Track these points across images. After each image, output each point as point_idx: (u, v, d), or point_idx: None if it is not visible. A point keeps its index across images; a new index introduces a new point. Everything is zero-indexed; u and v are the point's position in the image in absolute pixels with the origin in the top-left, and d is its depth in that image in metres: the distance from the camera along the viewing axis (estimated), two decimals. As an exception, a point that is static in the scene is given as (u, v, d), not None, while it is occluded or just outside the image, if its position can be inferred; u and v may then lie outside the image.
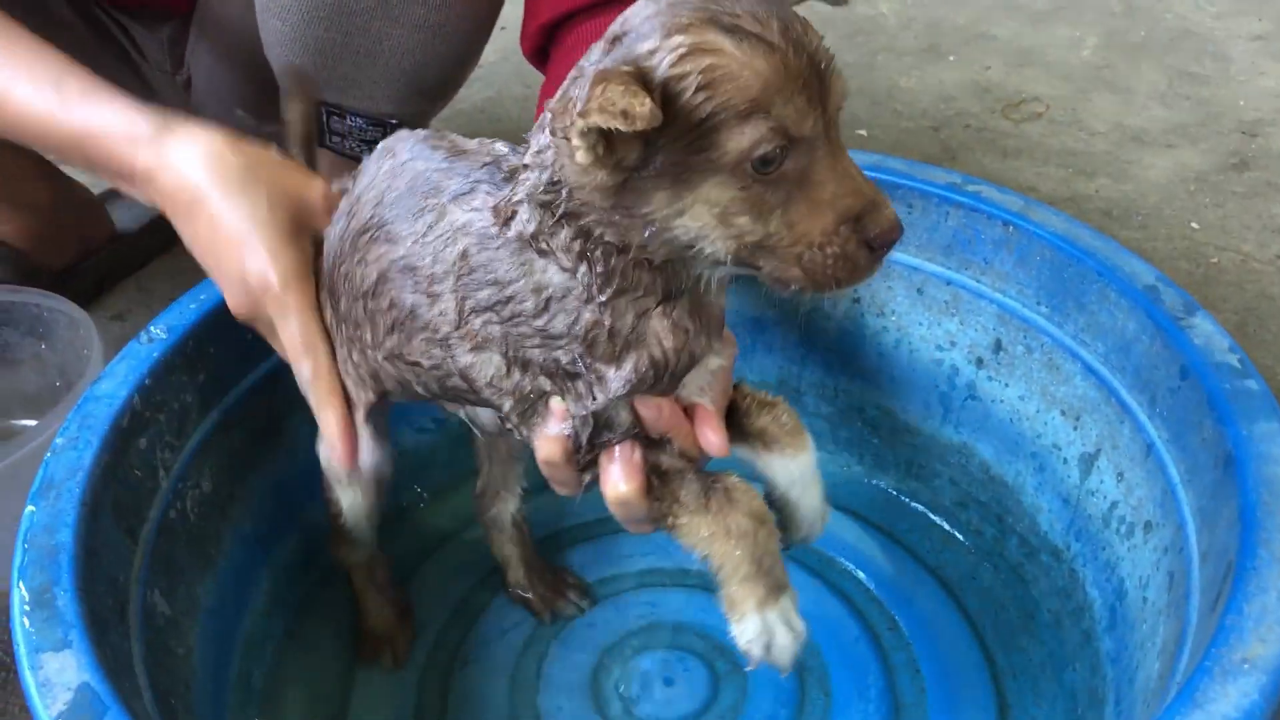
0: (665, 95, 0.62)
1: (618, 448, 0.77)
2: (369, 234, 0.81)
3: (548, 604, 1.13)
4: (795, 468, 0.84)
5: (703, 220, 0.66)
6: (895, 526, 1.21)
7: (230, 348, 0.99)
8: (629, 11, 0.67)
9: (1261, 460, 0.80)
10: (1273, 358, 1.46)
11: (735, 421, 0.84)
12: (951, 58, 2.23)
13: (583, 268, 0.71)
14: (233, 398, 1.02)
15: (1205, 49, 2.23)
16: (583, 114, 0.60)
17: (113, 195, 1.72)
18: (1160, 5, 2.39)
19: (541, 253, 0.72)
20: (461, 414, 0.88)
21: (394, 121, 1.27)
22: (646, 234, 0.68)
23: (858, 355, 1.23)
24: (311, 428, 0.93)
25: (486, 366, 0.77)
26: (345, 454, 0.90)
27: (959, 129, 1.99)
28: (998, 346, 1.12)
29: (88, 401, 0.88)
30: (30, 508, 0.79)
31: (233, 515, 1.02)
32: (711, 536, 0.75)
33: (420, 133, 0.85)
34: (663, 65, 0.62)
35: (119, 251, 1.66)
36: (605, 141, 0.63)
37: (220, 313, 0.99)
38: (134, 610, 0.83)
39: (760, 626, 0.74)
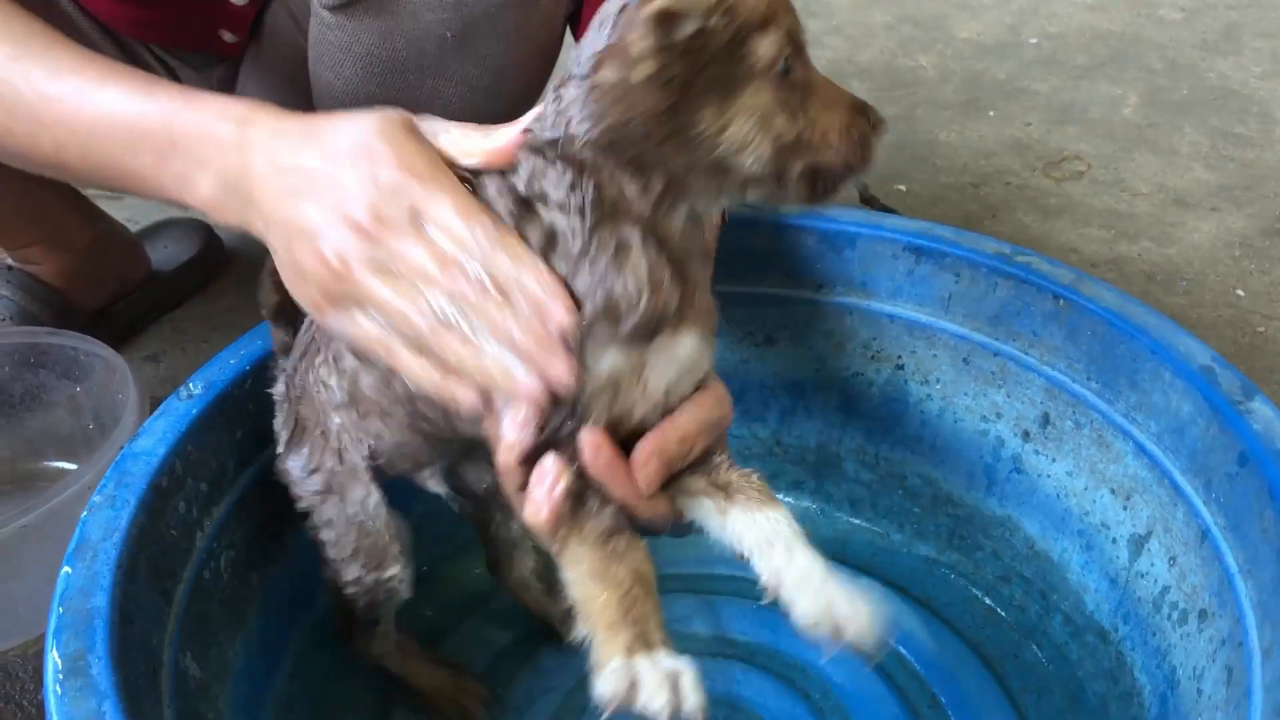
0: (702, 10, 0.67)
1: (550, 468, 0.73)
2: None
3: None
4: (765, 522, 0.75)
5: (746, 128, 0.70)
6: (935, 599, 1.19)
7: (269, 403, 0.98)
8: None
9: (1327, 557, 0.78)
10: (1321, 432, 1.43)
11: (698, 473, 0.80)
12: (991, 113, 2.22)
13: (574, 198, 0.71)
14: (270, 454, 1.00)
15: (1249, 109, 2.21)
16: (652, 8, 0.65)
17: (150, 235, 1.72)
18: (1203, 64, 2.38)
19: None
20: (441, 491, 0.91)
21: None
22: (687, 158, 0.71)
23: (900, 422, 1.22)
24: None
25: None
26: (568, 318, 0.71)
27: (999, 186, 1.97)
28: (1045, 420, 1.10)
29: (125, 459, 0.87)
30: (66, 569, 0.78)
31: (266, 573, 1.01)
32: (589, 574, 0.72)
33: None
34: None
35: (154, 292, 1.66)
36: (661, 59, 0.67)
37: (260, 367, 0.98)
38: (166, 675, 0.81)
39: (624, 670, 0.68)
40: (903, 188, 1.96)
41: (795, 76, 0.71)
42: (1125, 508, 1.03)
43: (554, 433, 0.74)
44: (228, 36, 1.36)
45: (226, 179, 0.80)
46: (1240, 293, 1.70)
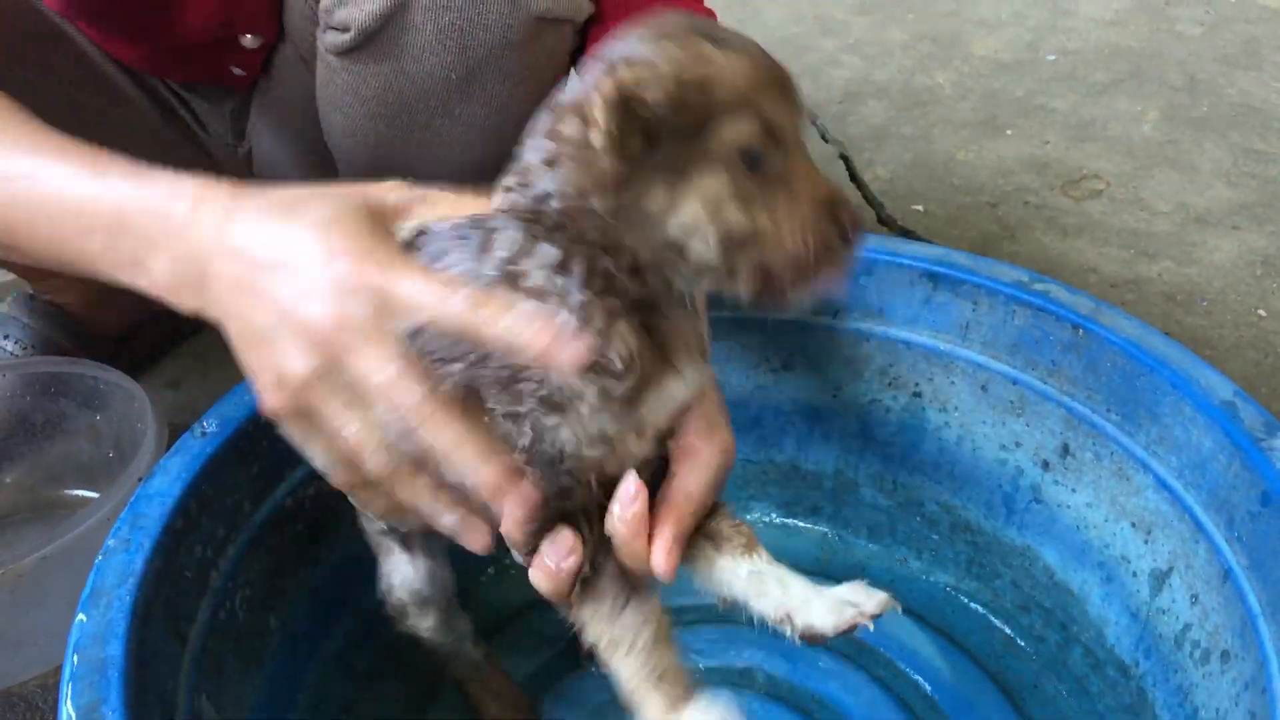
0: (665, 92, 0.66)
1: (564, 541, 0.73)
2: None
3: None
4: (751, 566, 0.79)
5: (695, 214, 0.68)
6: (954, 628, 1.18)
7: (284, 439, 0.98)
8: (619, 36, 0.71)
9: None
10: (1346, 456, 1.41)
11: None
12: (1009, 131, 2.21)
13: (560, 278, 0.70)
14: (284, 490, 1.00)
15: (1270, 125, 2.19)
16: (612, 83, 0.65)
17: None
18: (1223, 80, 2.36)
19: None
20: None
21: None
22: (640, 234, 0.70)
23: (918, 449, 1.21)
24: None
25: None
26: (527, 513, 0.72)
27: (1018, 205, 1.96)
28: (1065, 451, 1.08)
29: (140, 500, 0.87)
30: (80, 616, 0.78)
31: (281, 610, 1.01)
32: (610, 644, 0.75)
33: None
34: (661, 68, 0.67)
35: (174, 318, 1.66)
36: (616, 132, 0.66)
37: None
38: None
39: None
40: (920, 208, 1.95)
41: (769, 169, 0.68)
42: (1146, 542, 1.01)
43: (554, 499, 0.74)
44: (238, 71, 1.36)
45: (178, 263, 0.76)
46: (1262, 313, 1.68)
